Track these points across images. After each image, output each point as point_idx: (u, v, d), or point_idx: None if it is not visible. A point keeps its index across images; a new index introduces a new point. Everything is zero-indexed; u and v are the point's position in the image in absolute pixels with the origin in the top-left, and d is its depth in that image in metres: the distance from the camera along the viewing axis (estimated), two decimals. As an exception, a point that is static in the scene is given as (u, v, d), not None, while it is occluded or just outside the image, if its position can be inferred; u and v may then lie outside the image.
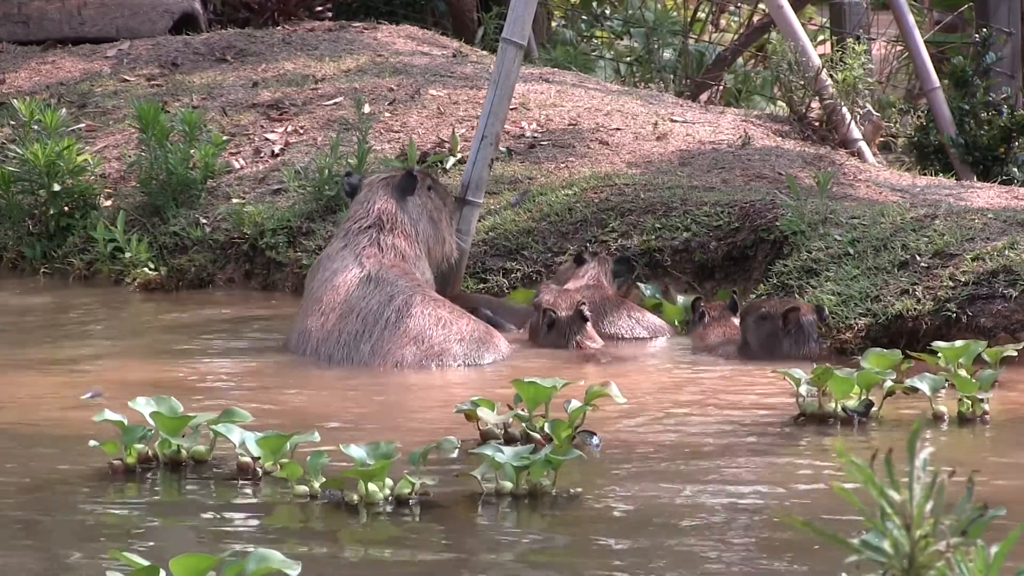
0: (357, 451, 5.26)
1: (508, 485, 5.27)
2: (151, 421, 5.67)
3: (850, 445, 6.15)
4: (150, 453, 5.70)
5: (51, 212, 10.14)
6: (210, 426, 5.66)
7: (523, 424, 6.08)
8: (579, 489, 5.38)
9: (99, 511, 5.25)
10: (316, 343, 7.87)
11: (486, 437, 6.02)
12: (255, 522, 5.14)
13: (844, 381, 6.48)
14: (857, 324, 7.92)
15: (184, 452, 5.71)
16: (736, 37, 16.16)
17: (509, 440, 6.02)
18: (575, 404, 5.94)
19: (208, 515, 5.19)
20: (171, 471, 5.67)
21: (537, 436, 6.00)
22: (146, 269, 9.78)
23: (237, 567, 3.99)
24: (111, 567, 4.20)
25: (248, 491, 5.46)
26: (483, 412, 6.07)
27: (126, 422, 5.64)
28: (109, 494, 5.44)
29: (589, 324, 8.14)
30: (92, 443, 5.62)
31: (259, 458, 5.56)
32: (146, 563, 4.00)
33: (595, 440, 6.06)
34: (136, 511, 5.26)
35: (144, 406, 5.70)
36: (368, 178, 8.49)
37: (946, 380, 6.61)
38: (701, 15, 16.94)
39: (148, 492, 5.49)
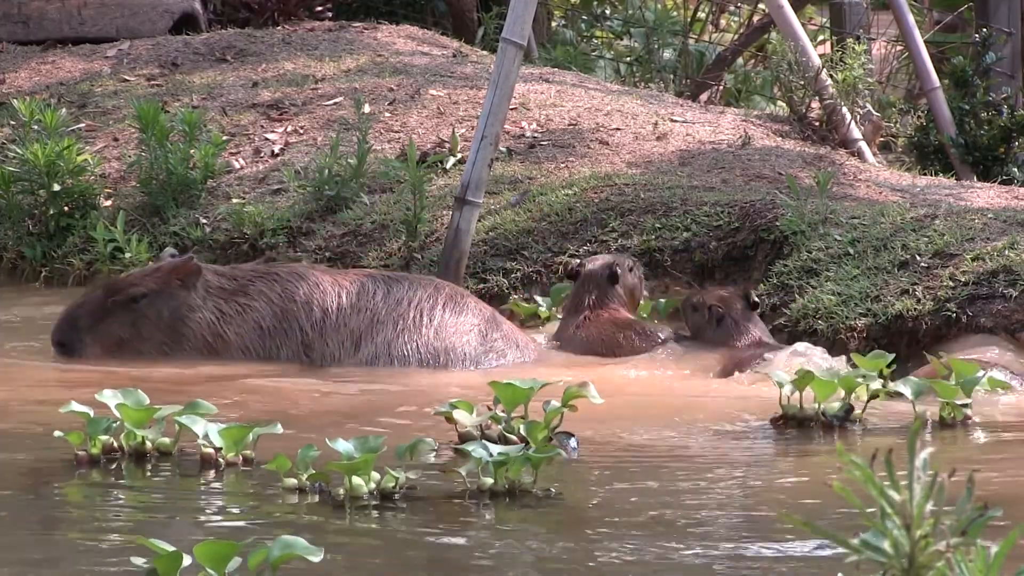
0: (344, 445, 5.27)
1: (488, 481, 5.28)
2: (116, 413, 5.70)
3: (828, 448, 6.15)
4: (115, 444, 5.73)
5: (51, 212, 10.13)
6: (175, 418, 5.69)
7: (500, 426, 6.04)
8: (559, 488, 5.37)
9: (65, 502, 5.29)
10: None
11: (464, 439, 5.98)
12: (240, 515, 5.15)
13: (826, 384, 6.42)
14: (857, 324, 7.92)
15: (149, 443, 5.75)
16: (736, 37, 16.16)
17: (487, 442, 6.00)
18: (553, 405, 5.90)
19: (184, 508, 5.21)
20: (135, 462, 5.71)
21: (514, 438, 5.95)
22: (146, 269, 9.78)
23: (262, 553, 4.01)
24: (134, 554, 4.21)
25: (219, 483, 5.49)
26: (460, 415, 6.02)
27: (92, 414, 5.67)
28: (75, 485, 5.48)
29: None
30: (57, 434, 5.65)
31: (220, 449, 5.59)
32: (171, 548, 4.02)
33: (572, 442, 6.00)
34: (106, 503, 5.28)
35: (110, 398, 5.73)
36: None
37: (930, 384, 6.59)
38: (701, 15, 16.94)
39: (114, 484, 5.52)
